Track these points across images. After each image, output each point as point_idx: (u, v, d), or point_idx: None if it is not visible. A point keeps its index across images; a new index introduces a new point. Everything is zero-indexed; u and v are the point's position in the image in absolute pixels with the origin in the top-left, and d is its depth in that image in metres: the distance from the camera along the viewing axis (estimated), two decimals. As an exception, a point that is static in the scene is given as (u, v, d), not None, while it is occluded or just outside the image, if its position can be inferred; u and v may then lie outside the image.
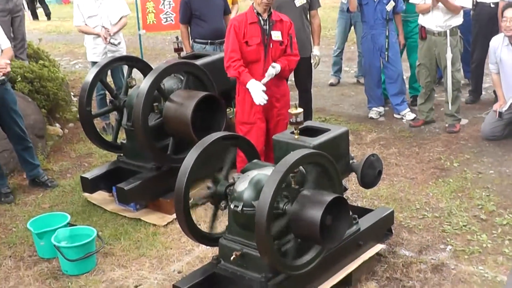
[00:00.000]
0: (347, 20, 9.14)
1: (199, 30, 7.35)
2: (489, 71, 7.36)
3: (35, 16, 18.24)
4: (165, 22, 9.14)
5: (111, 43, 7.52)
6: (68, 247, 4.81)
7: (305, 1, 6.81)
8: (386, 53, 7.65)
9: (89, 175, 5.90)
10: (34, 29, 15.86)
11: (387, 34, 7.59)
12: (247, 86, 5.44)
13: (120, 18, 7.70)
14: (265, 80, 5.47)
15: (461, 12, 7.10)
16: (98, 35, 7.52)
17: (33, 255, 5.11)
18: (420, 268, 4.59)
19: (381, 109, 8.03)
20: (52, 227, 5.03)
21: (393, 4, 7.48)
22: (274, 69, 5.47)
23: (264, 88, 5.41)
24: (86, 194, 6.03)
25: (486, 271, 4.53)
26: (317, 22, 7.16)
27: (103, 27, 7.52)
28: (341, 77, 9.80)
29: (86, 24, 7.58)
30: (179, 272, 4.72)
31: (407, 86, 8.36)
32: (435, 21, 7.09)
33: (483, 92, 8.44)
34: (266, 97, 5.43)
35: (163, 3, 8.97)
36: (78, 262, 4.76)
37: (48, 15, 18.28)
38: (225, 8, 7.50)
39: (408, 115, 7.79)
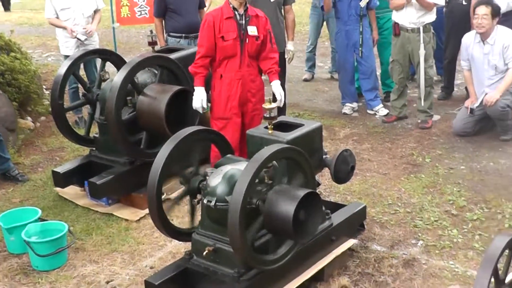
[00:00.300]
0: (319, 16, 9.17)
1: (173, 24, 7.31)
2: (461, 68, 7.42)
3: (6, 7, 18.00)
4: (139, 16, 9.08)
5: (78, 39, 7.43)
6: (38, 242, 4.76)
7: (279, -4, 6.83)
8: (360, 49, 7.68)
9: (60, 169, 5.84)
10: (6, 20, 15.68)
11: (361, 30, 7.62)
12: (195, 88, 5.51)
13: (95, 12, 7.64)
14: (281, 104, 5.61)
15: (434, 9, 7.16)
16: (65, 28, 7.43)
17: (3, 251, 5.05)
18: (391, 263, 4.63)
19: (355, 104, 8.07)
20: (23, 222, 4.97)
21: (367, 0, 7.50)
22: (279, 91, 5.67)
23: (204, 105, 5.52)
24: (58, 189, 5.97)
25: (456, 265, 4.58)
26: (291, 17, 7.18)
27: (84, 28, 7.46)
28: (315, 73, 9.84)
29: (57, 17, 7.50)
30: (151, 268, 4.70)
31: (379, 82, 8.41)
32: (409, 17, 7.14)
33: (455, 89, 8.53)
34: (203, 109, 5.53)
35: (137, -4, 8.92)
36: (49, 257, 4.71)
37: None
38: (200, 1, 7.46)
39: (381, 110, 7.84)
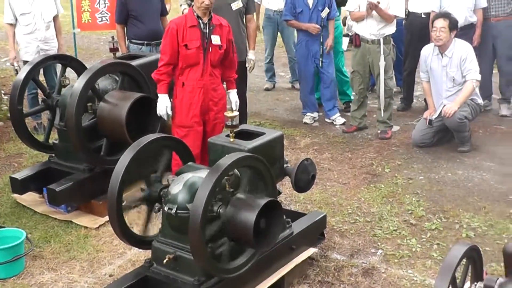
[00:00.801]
0: (274, 26, 9.22)
1: (135, 31, 7.27)
2: (420, 80, 7.54)
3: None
4: (100, 22, 9.01)
5: (14, 66, 7.40)
6: (-5, 249, 4.69)
7: (241, 5, 6.86)
8: (320, 59, 7.74)
9: (19, 175, 5.76)
10: (-38, 24, 15.36)
11: (321, 40, 7.68)
12: (159, 96, 5.52)
13: (54, 20, 7.58)
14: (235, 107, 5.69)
15: (394, 21, 7.27)
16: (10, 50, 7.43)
17: (-42, 258, 4.95)
18: (351, 272, 4.66)
19: (315, 114, 8.12)
20: (-21, 229, 4.89)
21: (328, 10, 7.58)
22: (236, 100, 5.79)
23: (169, 111, 5.55)
24: (16, 195, 5.87)
25: (415, 274, 4.63)
26: (253, 26, 7.22)
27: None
28: (276, 82, 9.87)
29: (17, 21, 7.39)
30: (110, 276, 4.65)
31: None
32: (369, 29, 7.23)
33: (414, 100, 8.65)
34: (168, 114, 5.55)
35: (99, 2, 8.84)
36: (6, 265, 4.63)
37: None
38: (162, 9, 7.45)
39: (338, 119, 7.92)
